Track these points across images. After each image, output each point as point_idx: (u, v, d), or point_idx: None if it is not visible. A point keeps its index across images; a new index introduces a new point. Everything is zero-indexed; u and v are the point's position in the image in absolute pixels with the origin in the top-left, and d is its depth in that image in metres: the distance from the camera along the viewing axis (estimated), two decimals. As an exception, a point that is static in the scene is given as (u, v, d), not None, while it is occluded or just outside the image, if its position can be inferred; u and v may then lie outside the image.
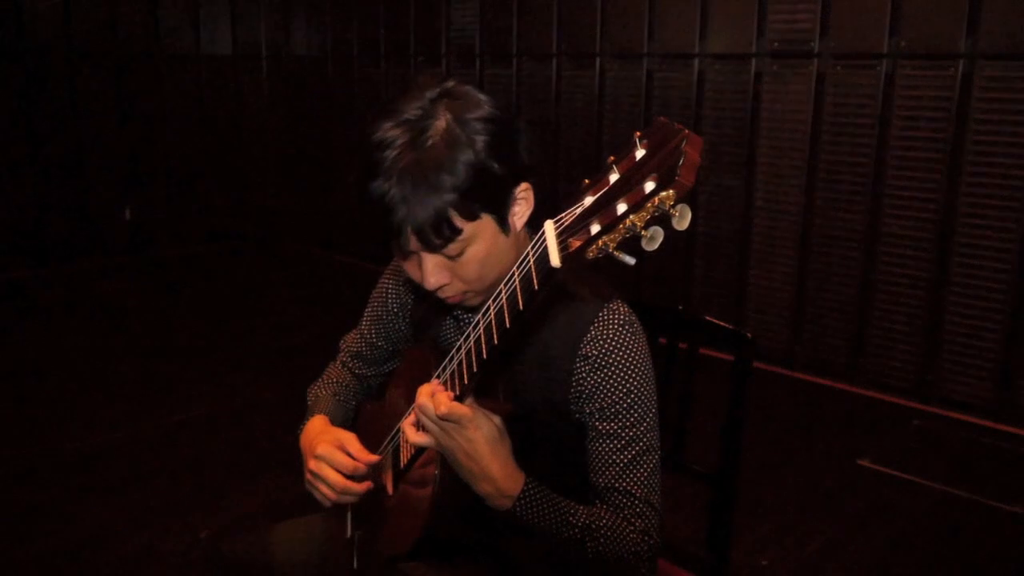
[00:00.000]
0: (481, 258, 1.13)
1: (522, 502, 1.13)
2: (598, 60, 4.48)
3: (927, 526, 2.71)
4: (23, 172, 5.39)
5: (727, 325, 1.43)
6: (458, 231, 1.09)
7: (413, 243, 1.11)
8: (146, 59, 5.85)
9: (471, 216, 1.09)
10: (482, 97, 1.12)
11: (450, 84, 1.13)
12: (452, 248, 1.11)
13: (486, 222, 1.12)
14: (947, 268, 3.47)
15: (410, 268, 1.19)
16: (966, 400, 3.47)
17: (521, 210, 1.18)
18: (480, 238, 1.12)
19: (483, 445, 1.08)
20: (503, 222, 1.14)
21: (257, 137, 6.51)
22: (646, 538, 1.18)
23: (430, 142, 1.08)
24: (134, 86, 5.80)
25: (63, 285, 5.37)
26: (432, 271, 1.14)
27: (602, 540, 1.16)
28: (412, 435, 1.12)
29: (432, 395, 1.07)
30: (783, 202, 3.93)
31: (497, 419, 1.11)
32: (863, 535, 2.65)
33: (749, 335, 1.40)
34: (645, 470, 1.20)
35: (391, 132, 1.09)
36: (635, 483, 1.19)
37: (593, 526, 1.16)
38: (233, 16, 6.27)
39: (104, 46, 5.63)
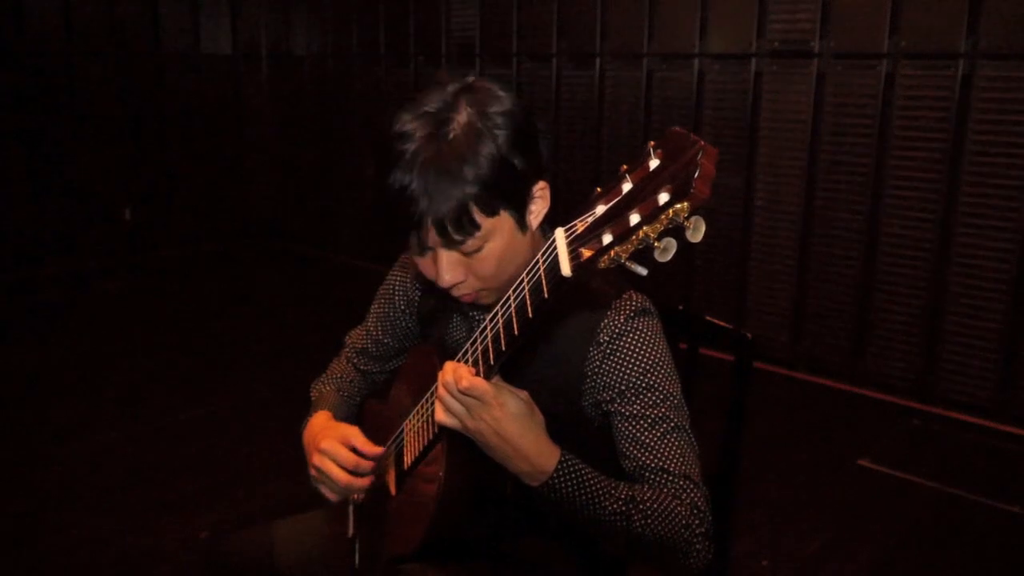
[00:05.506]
0: (498, 255, 1.12)
1: (560, 475, 1.06)
2: (598, 60, 4.48)
3: (927, 526, 2.71)
4: (23, 172, 5.38)
5: (727, 325, 1.43)
6: (477, 226, 1.08)
7: (432, 238, 1.10)
8: (146, 59, 5.84)
9: (491, 211, 1.09)
10: (503, 93, 1.12)
11: (471, 79, 1.13)
12: (470, 244, 1.10)
13: (504, 218, 1.11)
14: (947, 268, 3.47)
15: (424, 265, 1.18)
16: (966, 400, 3.47)
17: (538, 208, 1.17)
18: (498, 234, 1.11)
19: (511, 422, 1.03)
20: (521, 219, 1.14)
21: (257, 137, 6.50)
22: (696, 512, 1.10)
23: (452, 135, 1.07)
24: (134, 86, 5.80)
25: (63, 285, 5.36)
26: (448, 268, 1.13)
27: (650, 513, 1.08)
28: (439, 414, 1.06)
29: (455, 371, 1.03)
30: (783, 202, 3.93)
31: (524, 394, 1.07)
32: (863, 535, 2.65)
33: (749, 335, 1.39)
34: (678, 447, 1.14)
35: (411, 124, 1.09)
36: (669, 460, 1.13)
37: (638, 498, 1.09)
38: (233, 16, 6.26)
39: (104, 46, 5.63)
